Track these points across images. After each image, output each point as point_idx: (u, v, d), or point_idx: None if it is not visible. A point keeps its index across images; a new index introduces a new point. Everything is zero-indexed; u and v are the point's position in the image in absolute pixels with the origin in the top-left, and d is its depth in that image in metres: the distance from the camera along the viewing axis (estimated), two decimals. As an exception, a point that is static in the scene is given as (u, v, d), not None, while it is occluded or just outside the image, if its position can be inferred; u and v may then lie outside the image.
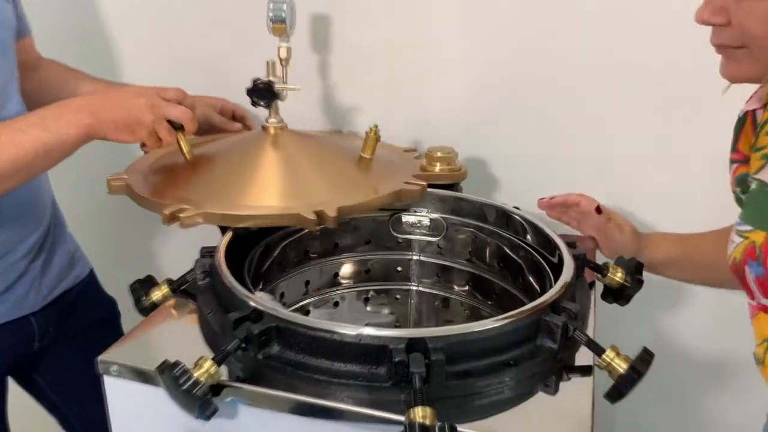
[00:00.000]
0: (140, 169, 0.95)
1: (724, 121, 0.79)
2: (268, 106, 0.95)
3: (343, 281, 1.05)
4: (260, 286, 0.91)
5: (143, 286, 0.84)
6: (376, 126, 0.97)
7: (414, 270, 1.05)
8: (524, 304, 0.94)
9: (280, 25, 0.94)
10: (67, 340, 1.06)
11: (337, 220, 0.83)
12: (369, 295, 1.06)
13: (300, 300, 1.01)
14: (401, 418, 0.60)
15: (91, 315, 1.10)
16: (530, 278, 0.92)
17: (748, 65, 0.67)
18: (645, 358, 0.68)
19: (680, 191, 1.10)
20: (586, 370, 0.72)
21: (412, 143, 1.14)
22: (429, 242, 1.02)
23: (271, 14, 0.94)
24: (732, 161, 0.78)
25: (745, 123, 0.76)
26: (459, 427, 0.59)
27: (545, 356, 0.70)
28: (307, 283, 1.02)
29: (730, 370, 1.20)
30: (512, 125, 1.14)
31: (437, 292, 1.05)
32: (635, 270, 0.87)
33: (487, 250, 0.99)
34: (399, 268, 1.05)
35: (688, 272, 0.94)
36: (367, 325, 0.68)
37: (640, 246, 0.94)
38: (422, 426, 0.59)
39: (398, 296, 1.07)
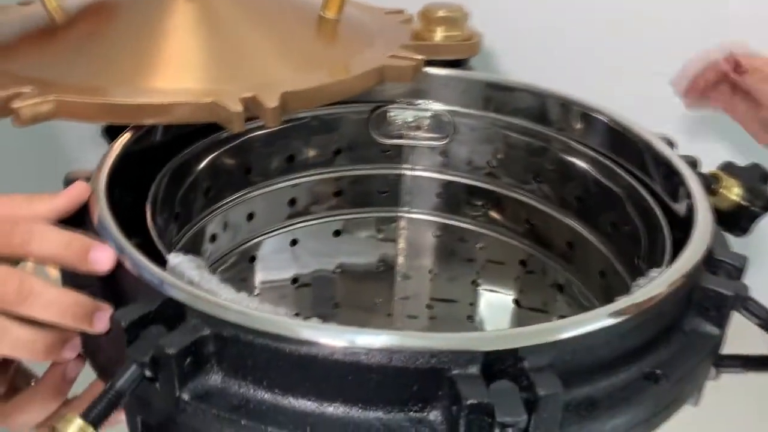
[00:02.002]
0: None
1: None
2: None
3: (303, 210, 0.71)
4: (176, 234, 0.56)
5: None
6: None
7: (406, 190, 0.72)
8: (581, 236, 0.66)
9: None
10: None
11: (280, 114, 0.49)
12: (341, 228, 0.73)
13: (241, 243, 0.67)
14: None
15: None
16: (595, 197, 0.61)
17: None
18: None
19: None
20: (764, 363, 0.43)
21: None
22: (429, 149, 0.69)
23: None
24: None
25: None
26: None
27: (704, 350, 0.39)
28: (251, 216, 0.67)
29: None
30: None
31: (439, 220, 0.73)
32: (761, 180, 0.58)
33: (520, 159, 0.66)
34: (384, 189, 0.72)
35: None
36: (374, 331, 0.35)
37: None
38: None
39: (382, 227, 0.74)
